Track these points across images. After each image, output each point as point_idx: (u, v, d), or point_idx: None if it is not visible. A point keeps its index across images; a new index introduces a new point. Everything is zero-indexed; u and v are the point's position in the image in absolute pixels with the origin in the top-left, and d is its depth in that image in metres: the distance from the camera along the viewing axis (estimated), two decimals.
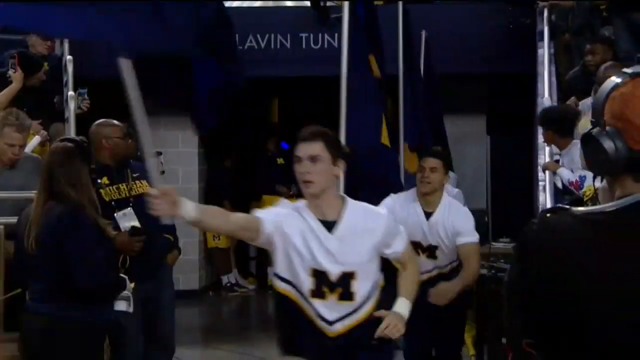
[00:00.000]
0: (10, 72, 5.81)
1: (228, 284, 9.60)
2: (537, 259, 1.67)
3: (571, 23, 6.86)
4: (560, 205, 1.84)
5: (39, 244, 3.61)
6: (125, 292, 3.84)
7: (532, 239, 1.71)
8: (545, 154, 5.44)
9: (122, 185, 4.49)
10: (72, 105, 5.74)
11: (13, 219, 3.97)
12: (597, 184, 3.40)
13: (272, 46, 8.21)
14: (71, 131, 5.58)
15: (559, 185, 5.11)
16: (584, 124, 3.77)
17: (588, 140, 1.71)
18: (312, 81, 8.40)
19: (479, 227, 8.48)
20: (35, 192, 3.84)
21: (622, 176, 1.67)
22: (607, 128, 1.67)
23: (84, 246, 3.56)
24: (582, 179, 4.93)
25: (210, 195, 9.25)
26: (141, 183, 4.54)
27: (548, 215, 1.73)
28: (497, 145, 8.88)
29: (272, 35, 8.22)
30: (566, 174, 5.10)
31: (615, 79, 1.70)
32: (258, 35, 8.17)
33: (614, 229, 1.64)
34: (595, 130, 1.69)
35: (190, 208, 2.84)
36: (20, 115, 4.71)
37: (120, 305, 3.85)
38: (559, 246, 1.66)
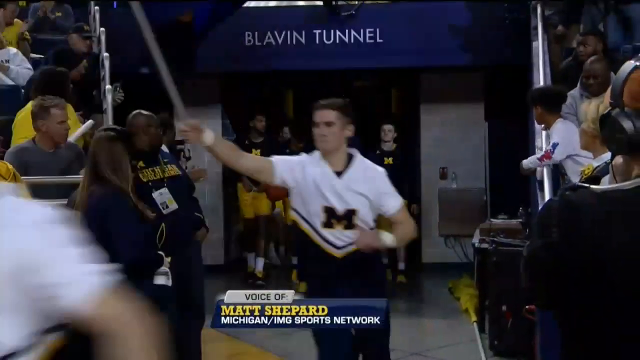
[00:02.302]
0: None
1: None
2: (561, 234, 1.64)
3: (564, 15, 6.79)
4: (579, 183, 1.81)
5: (84, 224, 3.64)
6: (164, 268, 3.87)
7: (555, 215, 1.67)
8: (542, 137, 5.41)
9: (157, 168, 4.58)
10: (109, 97, 5.76)
11: (59, 202, 3.99)
12: (595, 163, 3.38)
13: (288, 42, 8.21)
14: (109, 121, 5.61)
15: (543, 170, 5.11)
16: (585, 109, 3.74)
17: (607, 121, 1.68)
18: (324, 74, 8.41)
19: (479, 204, 8.62)
20: (77, 176, 3.86)
21: None
22: (626, 109, 1.65)
23: (125, 225, 3.59)
24: (554, 146, 4.95)
25: (229, 177, 9.14)
26: (171, 167, 4.65)
27: (568, 193, 1.70)
28: (494, 130, 8.85)
29: (288, 32, 8.20)
30: (531, 159, 5.24)
31: (633, 62, 1.67)
32: (275, 32, 8.17)
33: (633, 206, 1.62)
34: (615, 111, 1.67)
35: (209, 136, 3.53)
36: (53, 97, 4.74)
37: (160, 280, 3.89)
38: (580, 222, 1.64)
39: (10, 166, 4.15)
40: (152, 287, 3.84)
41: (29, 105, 5.12)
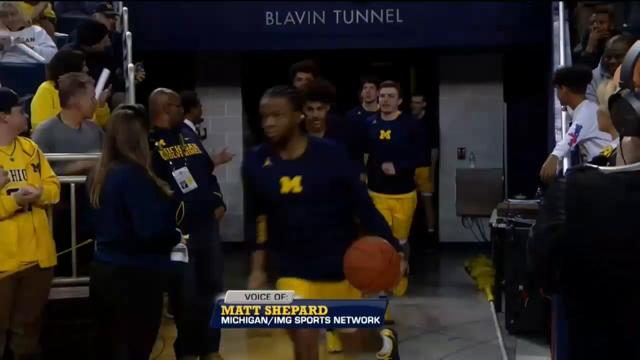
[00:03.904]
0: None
1: None
2: (568, 216, 1.60)
3: None
4: (587, 164, 1.75)
5: (102, 200, 3.65)
6: (180, 245, 3.86)
7: (562, 196, 1.63)
8: (562, 118, 5.32)
9: (177, 147, 4.55)
10: (131, 76, 5.74)
11: (82, 178, 4.00)
12: (614, 144, 3.31)
13: (309, 22, 8.14)
14: (131, 99, 5.59)
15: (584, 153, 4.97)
16: (602, 90, 3.66)
17: (617, 102, 1.63)
18: (343, 54, 8.33)
19: (497, 185, 8.56)
20: (98, 154, 3.86)
21: None
22: (636, 89, 1.59)
23: (142, 200, 3.59)
24: (578, 128, 4.86)
25: None
26: (192, 145, 4.62)
27: (576, 173, 1.66)
28: (513, 111, 8.75)
29: (308, 12, 8.13)
30: (562, 144, 5.03)
31: None
32: (296, 12, 8.10)
33: None
34: (624, 91, 1.61)
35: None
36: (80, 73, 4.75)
37: (177, 256, 3.88)
38: (589, 203, 1.59)
39: (34, 143, 4.19)
40: (168, 263, 3.84)
41: (45, 85, 5.12)
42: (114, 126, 3.71)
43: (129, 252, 3.61)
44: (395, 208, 6.03)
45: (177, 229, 3.92)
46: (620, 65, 1.66)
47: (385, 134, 6.03)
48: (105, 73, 5.14)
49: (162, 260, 3.75)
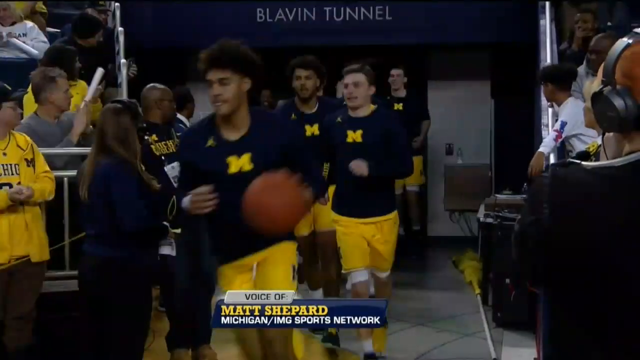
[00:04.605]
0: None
1: None
2: (551, 210, 1.59)
3: None
4: (570, 159, 1.76)
5: (90, 193, 3.66)
6: (168, 238, 3.87)
7: (545, 191, 1.62)
8: (548, 114, 5.36)
9: (169, 142, 4.56)
10: (124, 72, 5.73)
11: (74, 172, 4.00)
12: (599, 141, 3.33)
13: (299, 18, 8.14)
14: (124, 95, 5.58)
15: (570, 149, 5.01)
16: (588, 87, 3.68)
17: (599, 99, 1.64)
18: (333, 51, 8.33)
19: (484, 180, 8.62)
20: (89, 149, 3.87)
21: (632, 133, 1.60)
22: (618, 86, 1.61)
23: (128, 194, 3.59)
24: (563, 124, 4.89)
25: None
26: None
27: (558, 169, 1.66)
28: (500, 108, 8.79)
29: (299, 9, 8.14)
30: (548, 141, 5.06)
31: (626, 39, 1.63)
32: (286, 9, 8.11)
33: (625, 183, 1.57)
34: (607, 89, 1.63)
35: None
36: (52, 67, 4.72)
37: (165, 250, 3.90)
38: (572, 198, 1.60)
39: (29, 138, 4.18)
40: (156, 256, 3.85)
41: None
42: (103, 120, 3.72)
43: (115, 245, 3.63)
44: (370, 235, 4.49)
45: (165, 222, 3.93)
46: (603, 63, 1.68)
47: (354, 135, 4.50)
48: (99, 72, 5.11)
49: (148, 253, 3.76)
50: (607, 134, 1.67)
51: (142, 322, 3.76)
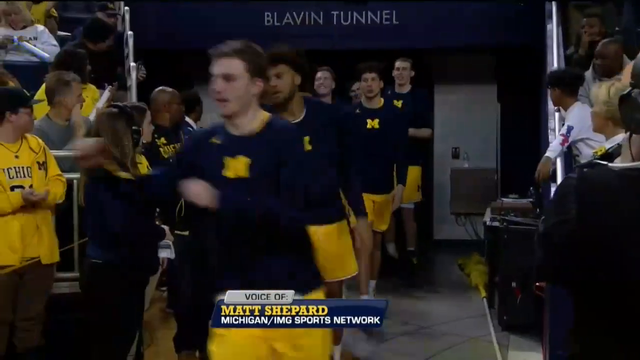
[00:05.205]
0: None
1: None
2: (579, 211, 1.58)
3: None
4: (596, 160, 1.75)
5: (85, 196, 3.69)
6: (166, 241, 3.87)
7: (573, 192, 1.61)
8: (555, 119, 5.34)
9: (178, 145, 4.56)
10: (133, 75, 5.75)
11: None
12: (607, 145, 3.32)
13: (307, 22, 8.15)
14: (133, 98, 5.61)
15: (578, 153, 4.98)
16: (596, 92, 3.68)
17: (627, 100, 1.62)
18: (340, 54, 8.34)
19: (490, 184, 8.59)
20: None
21: None
22: None
23: (113, 198, 3.57)
24: (570, 129, 4.88)
25: None
26: None
27: (585, 170, 1.65)
28: (506, 111, 8.77)
29: (306, 13, 8.15)
30: (555, 145, 5.02)
31: None
32: (294, 13, 8.12)
33: None
34: (635, 91, 1.62)
35: None
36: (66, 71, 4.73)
37: (163, 253, 3.90)
38: (599, 199, 1.59)
39: (41, 141, 4.20)
40: (151, 259, 3.85)
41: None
42: (98, 124, 3.74)
43: (105, 248, 3.64)
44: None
45: (162, 225, 3.93)
46: (632, 64, 1.67)
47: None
48: (107, 93, 5.17)
49: (141, 257, 3.75)
50: (634, 136, 1.65)
51: (122, 328, 3.73)
